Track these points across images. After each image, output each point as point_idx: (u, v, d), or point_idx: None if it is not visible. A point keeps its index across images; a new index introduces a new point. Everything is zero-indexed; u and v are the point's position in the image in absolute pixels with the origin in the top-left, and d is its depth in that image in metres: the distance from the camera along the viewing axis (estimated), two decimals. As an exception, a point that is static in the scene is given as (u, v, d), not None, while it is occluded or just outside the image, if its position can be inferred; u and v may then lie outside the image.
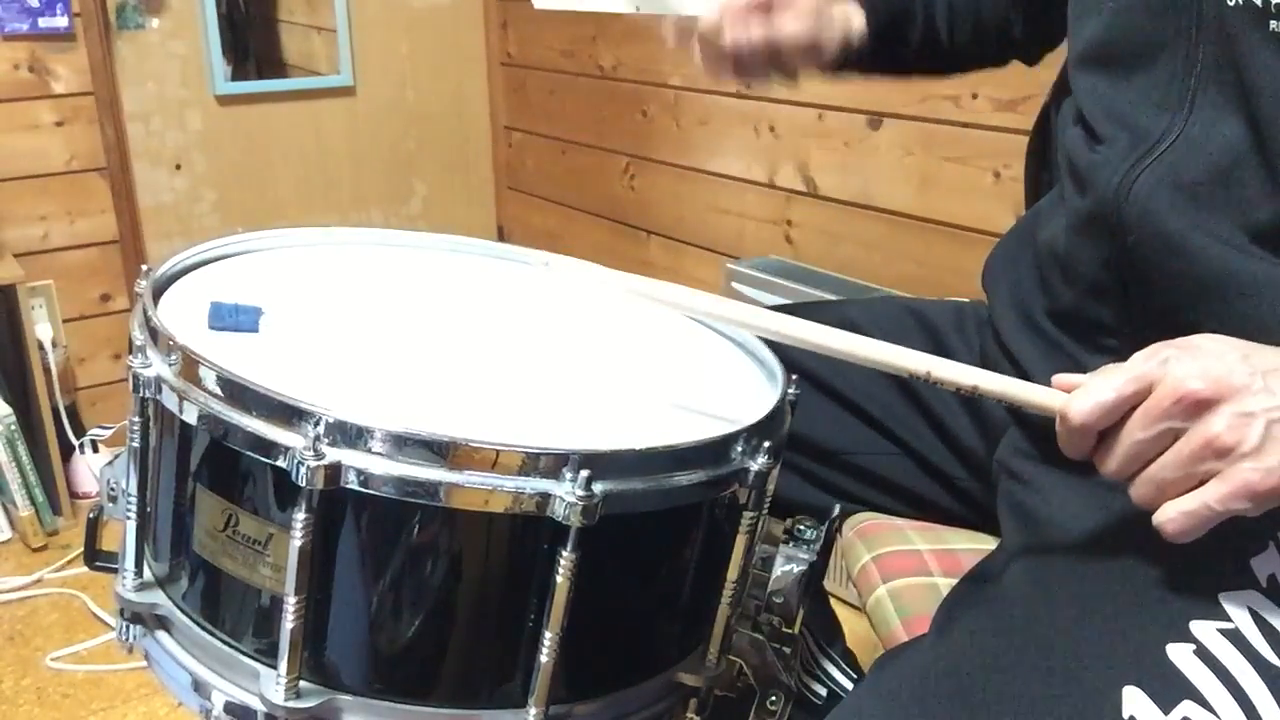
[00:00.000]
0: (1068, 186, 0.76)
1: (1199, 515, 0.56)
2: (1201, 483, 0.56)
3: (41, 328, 2.23)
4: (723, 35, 0.84)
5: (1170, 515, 0.57)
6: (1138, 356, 0.58)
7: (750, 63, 0.86)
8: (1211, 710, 0.55)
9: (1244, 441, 0.54)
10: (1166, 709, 0.56)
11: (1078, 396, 0.59)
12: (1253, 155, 0.63)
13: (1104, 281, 0.71)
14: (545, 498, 0.60)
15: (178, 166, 2.50)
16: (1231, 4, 0.62)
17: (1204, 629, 0.58)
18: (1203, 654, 0.57)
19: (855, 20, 0.89)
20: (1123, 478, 0.59)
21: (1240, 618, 0.59)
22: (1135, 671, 0.57)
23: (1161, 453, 0.57)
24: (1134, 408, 0.58)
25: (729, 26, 0.84)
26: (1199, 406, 0.55)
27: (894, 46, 0.93)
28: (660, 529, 0.68)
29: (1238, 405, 0.55)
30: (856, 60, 0.91)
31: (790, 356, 0.82)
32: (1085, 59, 0.75)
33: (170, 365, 0.66)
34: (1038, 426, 0.77)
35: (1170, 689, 0.56)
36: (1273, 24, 0.61)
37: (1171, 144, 0.67)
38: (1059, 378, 0.62)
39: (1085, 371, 0.65)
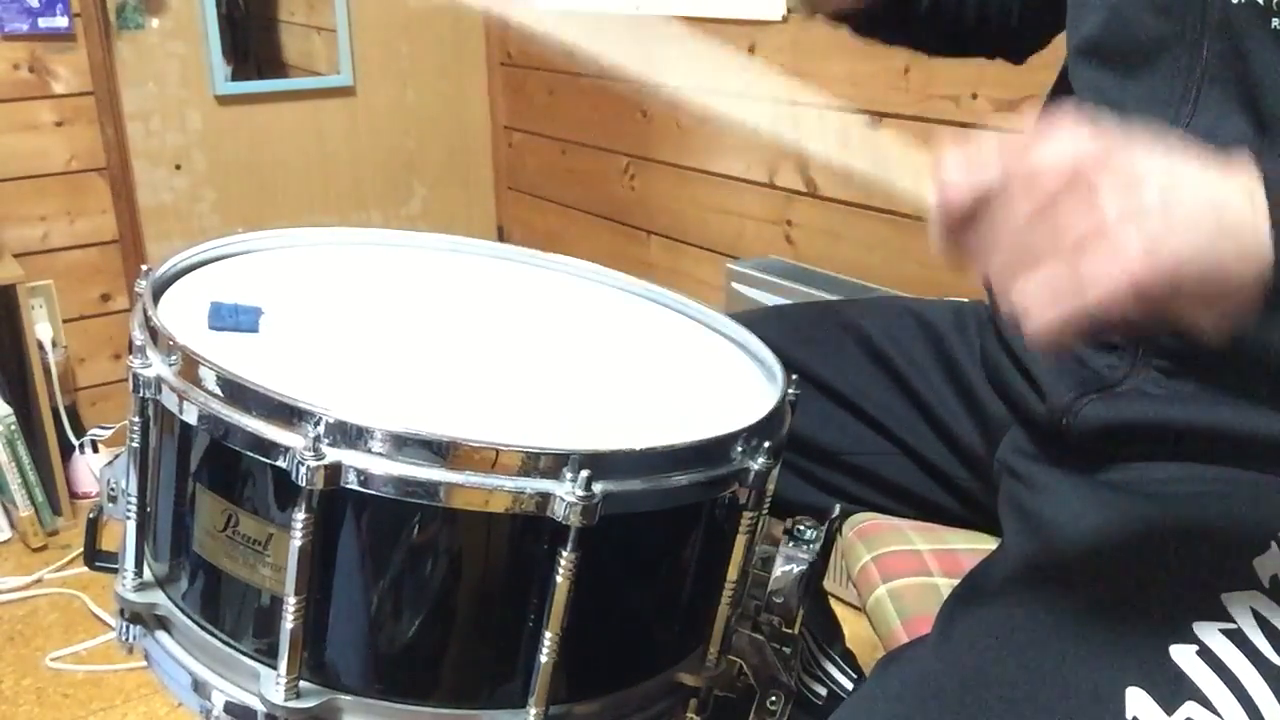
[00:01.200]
0: None
1: (1068, 308, 0.46)
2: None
3: (41, 328, 2.23)
4: None
5: (1036, 310, 0.47)
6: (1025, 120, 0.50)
7: None
8: (1214, 711, 0.55)
9: (1133, 219, 0.45)
10: (1169, 710, 0.55)
11: (950, 157, 0.51)
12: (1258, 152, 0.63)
13: None
14: (545, 498, 0.60)
15: (178, 166, 2.50)
16: (1235, 1, 0.62)
17: (1206, 630, 0.58)
18: (1205, 655, 0.57)
19: None
20: (1009, 279, 0.49)
21: (1243, 618, 0.59)
22: (1138, 672, 0.57)
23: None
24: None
25: None
26: (1091, 173, 0.47)
27: (903, 8, 0.91)
28: (660, 529, 0.68)
29: (1133, 180, 0.46)
30: (869, 22, 0.90)
31: (790, 356, 0.82)
32: (1085, 52, 0.75)
33: (170, 365, 0.66)
34: (1039, 426, 0.77)
35: (1173, 690, 0.56)
36: (1275, 21, 0.61)
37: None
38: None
39: (1087, 370, 0.65)
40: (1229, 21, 0.63)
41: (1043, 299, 0.47)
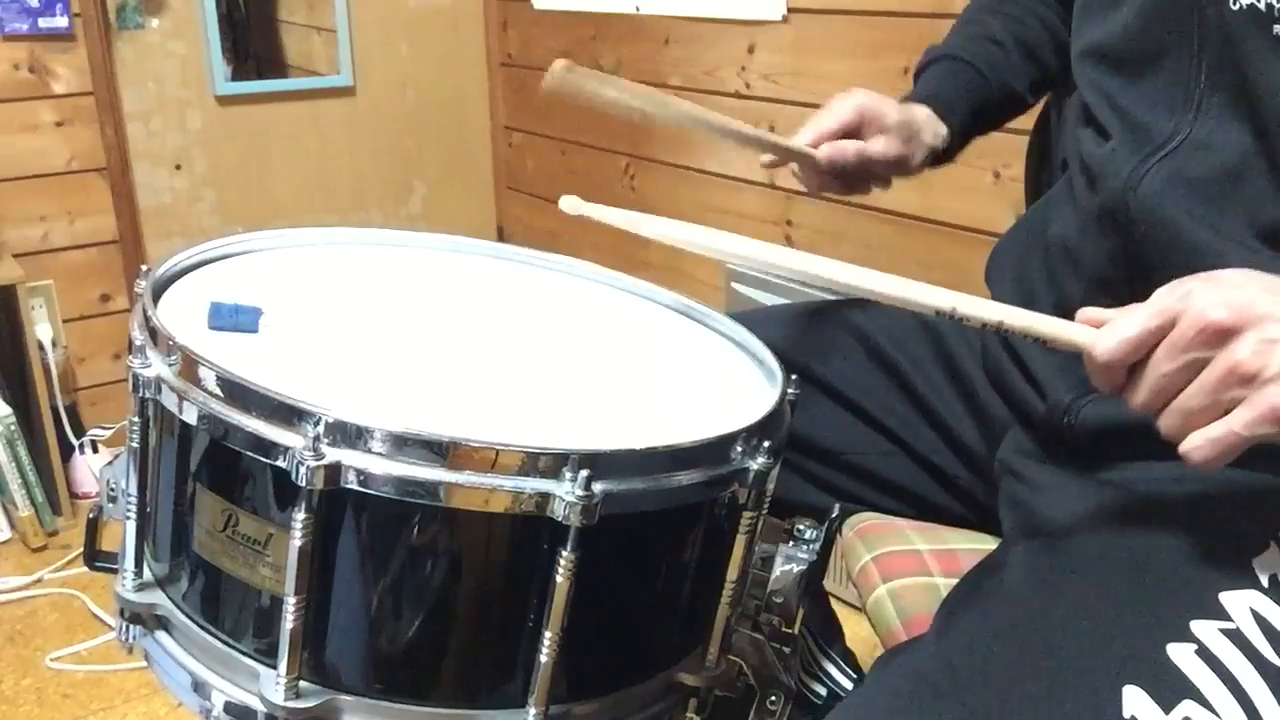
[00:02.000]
0: (1078, 182, 0.76)
1: (1225, 441, 0.56)
2: (1227, 412, 0.56)
3: (41, 328, 2.23)
4: (819, 160, 0.91)
5: (1197, 443, 0.57)
6: (1161, 291, 0.59)
7: (847, 178, 0.93)
8: (1212, 710, 0.55)
9: (1268, 366, 0.54)
10: (1167, 708, 0.56)
11: (1105, 333, 0.59)
12: (1259, 158, 0.64)
13: (1111, 276, 0.71)
14: (545, 498, 0.60)
15: (178, 166, 2.50)
16: (1235, 8, 0.62)
17: (1205, 629, 0.58)
18: (1204, 654, 0.57)
19: (938, 127, 0.95)
20: (1151, 411, 0.59)
21: (1241, 617, 0.59)
22: (1136, 671, 0.57)
23: (1188, 384, 0.57)
24: (1160, 342, 0.58)
25: (824, 154, 0.91)
26: (1222, 335, 0.56)
27: (978, 127, 0.98)
28: (660, 529, 0.68)
29: (1261, 332, 0.55)
30: (947, 154, 0.97)
31: (790, 356, 0.82)
32: (1091, 55, 0.75)
33: (170, 365, 0.66)
34: (1040, 426, 0.77)
35: (1171, 689, 0.56)
36: (1276, 28, 0.61)
37: (1178, 145, 0.67)
38: (1085, 312, 0.62)
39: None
40: (1228, 28, 0.64)
41: (1198, 439, 0.57)
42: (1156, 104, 0.69)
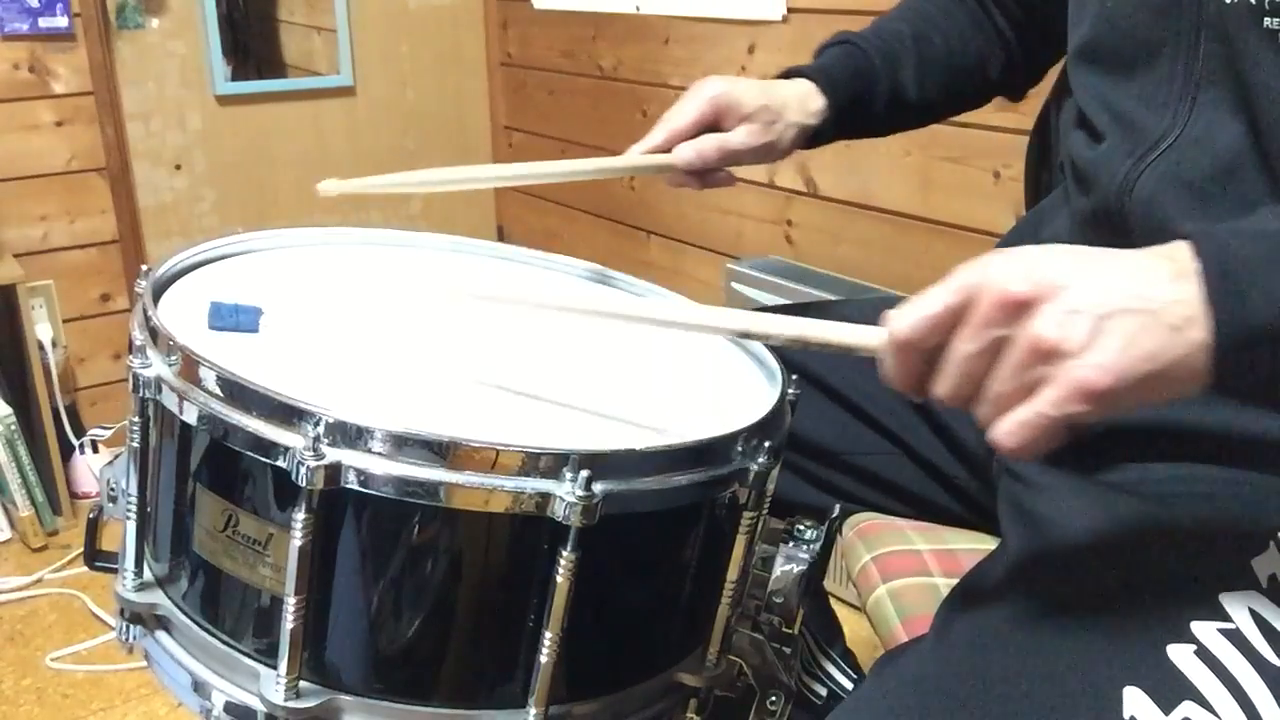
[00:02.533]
0: (1071, 186, 0.76)
1: (1034, 425, 0.52)
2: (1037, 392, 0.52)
3: (41, 328, 2.23)
4: (679, 166, 0.89)
5: (1006, 429, 0.53)
6: (962, 267, 0.54)
7: (709, 173, 0.92)
8: (1212, 711, 0.55)
9: (1069, 338, 0.50)
10: (1167, 710, 0.55)
11: (899, 313, 0.55)
12: (1253, 155, 0.63)
13: None
14: (545, 498, 0.60)
15: (178, 166, 2.50)
16: (1229, 1, 0.62)
17: (1204, 629, 0.58)
18: (1203, 654, 0.57)
19: (812, 103, 0.92)
20: (961, 401, 0.55)
21: (1241, 618, 0.59)
22: (1136, 672, 0.57)
23: (994, 367, 0.53)
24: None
25: (680, 156, 0.89)
26: (1021, 307, 0.52)
27: (859, 117, 0.96)
28: (660, 529, 0.68)
29: (1062, 303, 0.51)
30: (817, 138, 0.95)
31: (790, 357, 0.82)
32: (1083, 56, 0.75)
33: (170, 365, 0.66)
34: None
35: (1171, 689, 0.56)
36: (1267, 20, 0.61)
37: (1173, 143, 0.67)
38: (887, 314, 0.58)
39: None
40: (1223, 23, 0.63)
41: (1006, 425, 0.53)
42: (1149, 101, 0.68)
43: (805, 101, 0.92)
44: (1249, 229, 0.53)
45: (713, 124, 0.90)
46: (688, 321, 0.68)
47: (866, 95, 0.95)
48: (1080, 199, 0.73)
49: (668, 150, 0.90)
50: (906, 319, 0.55)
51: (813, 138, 0.95)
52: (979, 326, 0.53)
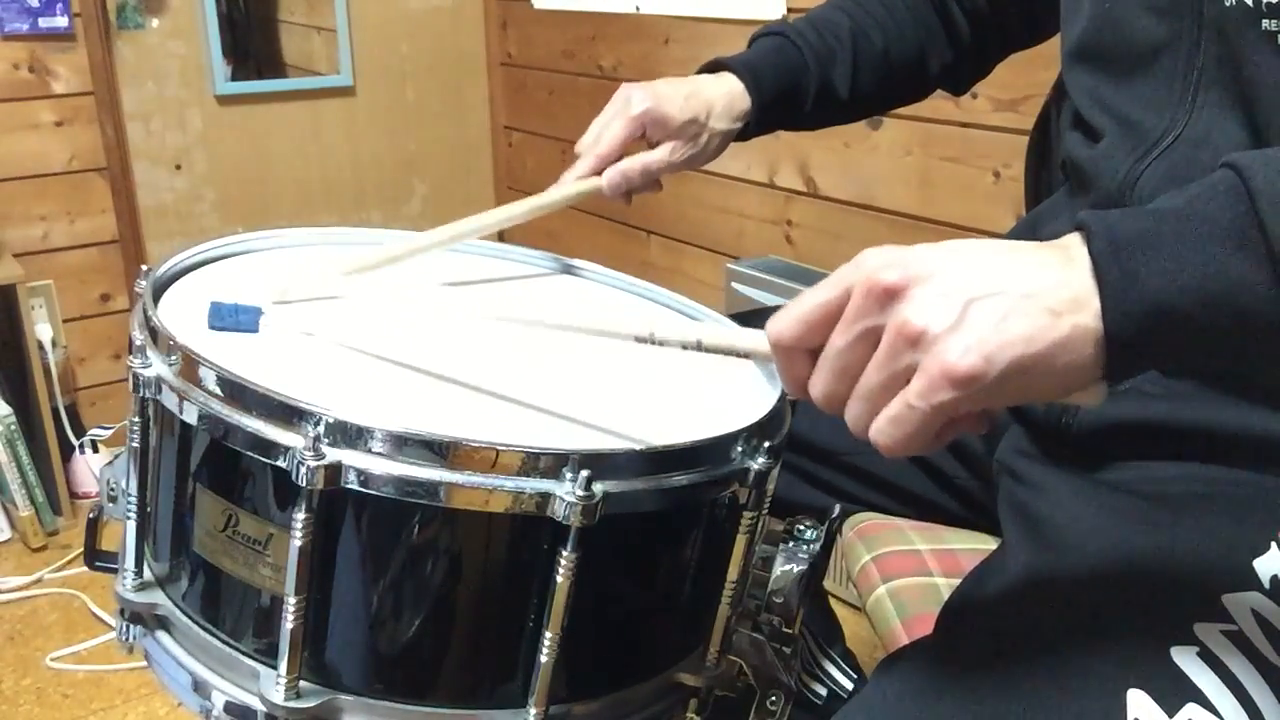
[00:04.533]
0: (1071, 187, 0.76)
1: (906, 420, 0.49)
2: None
3: (41, 328, 2.23)
4: (606, 191, 0.92)
5: (879, 427, 0.50)
6: (844, 264, 0.52)
7: (634, 190, 0.94)
8: (1215, 712, 0.55)
9: (935, 321, 0.48)
10: (1171, 712, 0.55)
11: (778, 314, 0.53)
12: None
13: None
14: (545, 498, 0.60)
15: (178, 166, 2.50)
16: (1228, 4, 0.62)
17: (1207, 631, 0.58)
18: (1206, 656, 0.57)
19: (739, 104, 0.93)
20: (836, 402, 0.53)
21: (1243, 619, 0.59)
22: (1139, 674, 0.57)
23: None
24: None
25: (609, 181, 0.91)
26: (890, 295, 0.49)
27: (785, 113, 0.96)
28: (660, 529, 0.68)
29: (929, 287, 0.49)
30: (744, 134, 0.95)
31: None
32: (1079, 55, 0.75)
33: (170, 365, 0.66)
34: (1039, 425, 0.77)
35: (1174, 691, 0.56)
36: (1265, 23, 0.61)
37: (1173, 143, 0.67)
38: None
39: None
40: (1223, 24, 0.63)
41: (879, 423, 0.50)
42: (1149, 101, 0.68)
43: (732, 105, 0.93)
44: (1140, 209, 0.51)
45: (638, 138, 0.91)
46: (586, 327, 0.67)
47: (794, 93, 0.95)
48: (1080, 198, 0.73)
49: (598, 173, 0.92)
50: (781, 320, 0.54)
51: (739, 136, 0.96)
52: (851, 319, 0.51)
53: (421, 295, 0.89)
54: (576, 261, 0.98)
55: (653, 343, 0.63)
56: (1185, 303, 0.48)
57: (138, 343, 0.68)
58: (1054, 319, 0.49)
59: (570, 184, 0.93)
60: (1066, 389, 0.50)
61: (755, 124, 0.95)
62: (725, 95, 0.92)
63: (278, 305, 0.79)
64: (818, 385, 0.53)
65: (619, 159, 0.92)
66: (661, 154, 0.91)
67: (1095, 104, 0.72)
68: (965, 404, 0.49)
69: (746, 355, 0.60)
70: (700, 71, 0.97)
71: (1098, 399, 0.52)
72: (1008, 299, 0.49)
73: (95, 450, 2.31)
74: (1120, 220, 0.50)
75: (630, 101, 0.92)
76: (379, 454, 0.60)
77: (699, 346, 0.62)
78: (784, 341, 0.54)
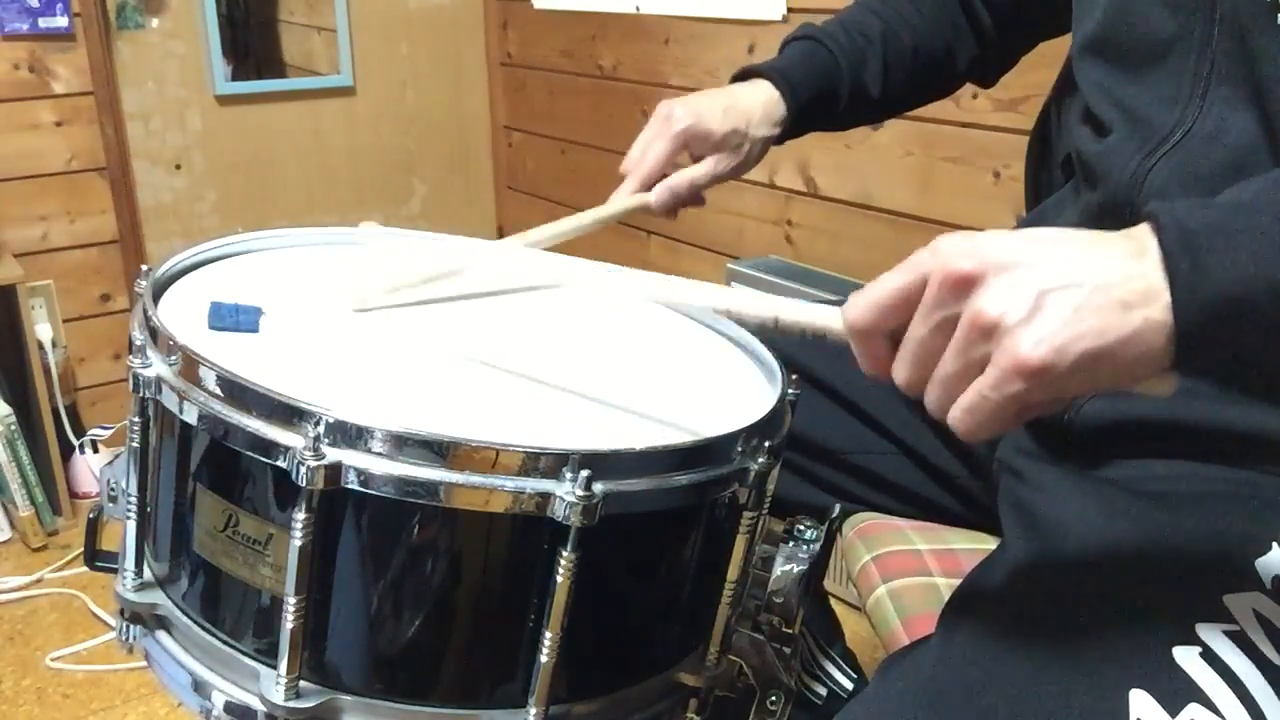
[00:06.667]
0: (1079, 180, 0.76)
1: (979, 408, 0.50)
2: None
3: (41, 328, 2.23)
4: (654, 209, 0.94)
5: (955, 415, 0.51)
6: (920, 250, 0.53)
7: (680, 206, 0.96)
8: (1217, 713, 0.55)
9: (1009, 312, 0.49)
10: (1174, 712, 0.55)
11: (854, 298, 0.55)
12: (1265, 149, 0.63)
13: None
14: (545, 498, 0.60)
15: (178, 166, 2.50)
16: None
17: (1209, 631, 0.58)
18: (1208, 656, 0.57)
19: (776, 112, 0.94)
20: (918, 387, 0.54)
21: (1245, 619, 0.59)
22: (1141, 674, 0.57)
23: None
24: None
25: (657, 199, 0.93)
26: (967, 285, 0.50)
27: (820, 116, 0.98)
28: (660, 529, 0.68)
29: (1005, 277, 0.49)
30: (780, 138, 0.97)
31: (790, 356, 0.82)
32: (1091, 49, 0.75)
33: (170, 365, 0.66)
34: (1042, 423, 0.77)
35: (1176, 692, 0.56)
36: None
37: (1183, 138, 0.66)
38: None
39: None
40: (1238, 18, 0.63)
41: (956, 410, 0.52)
42: (1160, 96, 0.68)
43: (770, 112, 0.94)
44: (1208, 201, 0.52)
45: (681, 153, 0.93)
46: (670, 299, 0.68)
47: (828, 96, 0.96)
48: (1089, 193, 0.73)
49: (645, 189, 0.94)
50: (859, 305, 0.54)
51: (775, 141, 0.97)
52: (929, 308, 0.52)
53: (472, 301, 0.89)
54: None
55: (730, 317, 0.64)
56: (1255, 294, 0.48)
57: (138, 343, 0.68)
58: (1125, 312, 0.49)
59: (620, 200, 0.95)
60: (1135, 379, 0.51)
61: (791, 128, 0.95)
62: (762, 103, 0.93)
63: (359, 313, 0.80)
64: (900, 372, 0.54)
65: (664, 176, 0.94)
66: (706, 168, 0.92)
67: (1105, 98, 0.72)
68: (1037, 394, 0.49)
69: (822, 335, 0.60)
70: (733, 80, 0.98)
71: (1168, 388, 0.53)
72: (1081, 291, 0.49)
73: (95, 450, 2.31)
74: (1189, 212, 0.50)
75: (671, 119, 0.93)
76: (379, 454, 0.60)
77: (775, 324, 0.62)
78: (860, 327, 0.55)
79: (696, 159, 0.97)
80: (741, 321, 0.64)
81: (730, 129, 0.92)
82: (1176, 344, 0.50)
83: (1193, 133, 0.66)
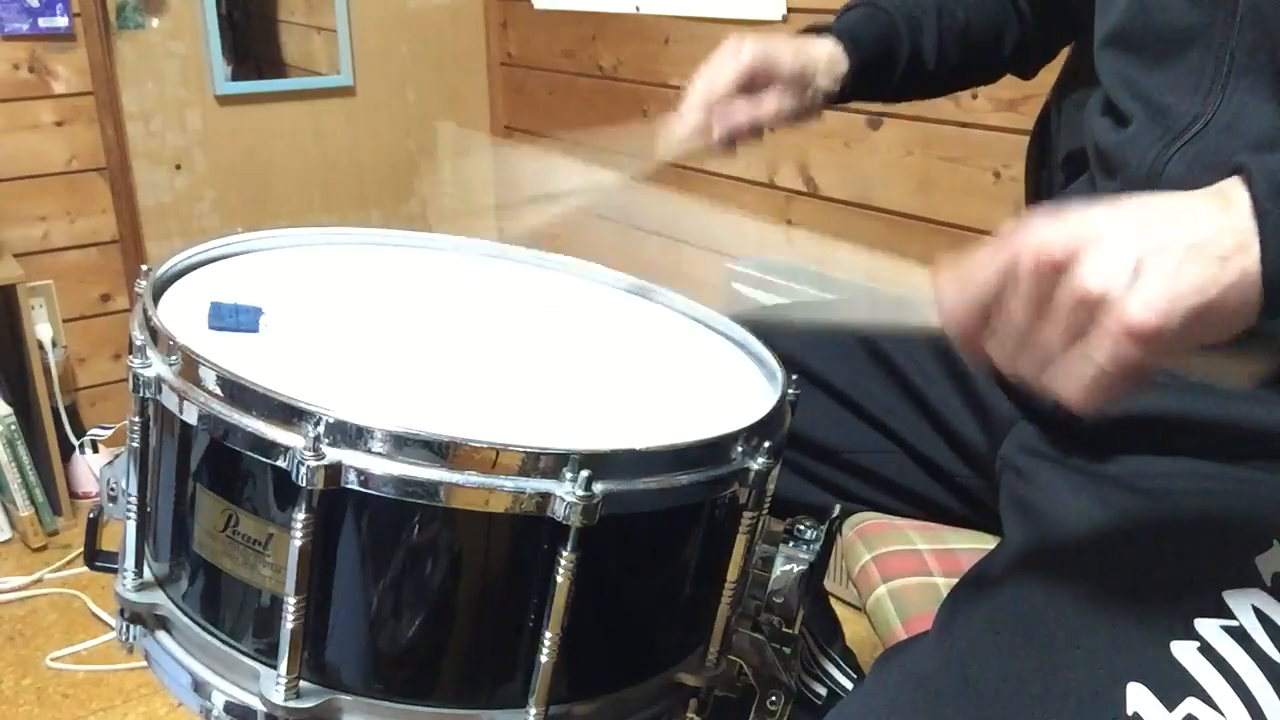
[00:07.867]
0: (1095, 172, 0.76)
1: (1099, 383, 0.50)
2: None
3: (41, 328, 2.23)
4: (711, 133, 0.88)
5: (1076, 393, 0.51)
6: (1007, 227, 0.53)
7: (740, 141, 0.90)
8: (1215, 708, 0.55)
9: (1111, 283, 0.49)
10: (1171, 706, 0.55)
11: (945, 283, 0.54)
12: None
13: None
14: (545, 498, 0.60)
15: (178, 166, 2.50)
16: None
17: (1208, 626, 0.58)
18: (1207, 651, 0.57)
19: (839, 66, 0.91)
20: (1020, 369, 0.54)
21: (1244, 615, 0.59)
22: (1139, 668, 0.57)
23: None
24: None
25: (717, 122, 0.88)
26: (1060, 266, 0.50)
27: (877, 80, 0.95)
28: (660, 529, 0.68)
29: (1099, 250, 0.50)
30: (838, 98, 0.93)
31: (790, 355, 0.82)
32: (1113, 41, 0.75)
33: (170, 365, 0.66)
34: (1048, 419, 0.77)
35: (1174, 686, 0.56)
36: None
37: (1203, 128, 0.67)
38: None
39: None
40: (1260, 10, 0.63)
41: (1070, 386, 0.51)
42: (1180, 86, 0.68)
43: (833, 65, 0.91)
44: None
45: (747, 84, 0.88)
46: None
47: (887, 60, 0.94)
48: (1107, 183, 0.73)
49: (708, 118, 0.89)
50: (953, 306, 0.54)
51: (832, 99, 0.94)
52: (1025, 296, 0.52)
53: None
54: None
55: (832, 328, 0.64)
56: None
57: (138, 343, 0.68)
58: (1222, 264, 0.49)
59: (679, 141, 0.91)
60: (1232, 332, 0.51)
61: (850, 87, 0.93)
62: (827, 55, 0.91)
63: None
64: (1005, 359, 0.54)
65: (727, 106, 0.89)
66: (770, 105, 0.88)
67: (1125, 89, 0.72)
68: (1150, 358, 0.49)
69: (917, 333, 0.60)
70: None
71: (1256, 376, 0.54)
72: (1176, 251, 0.49)
73: (95, 450, 2.31)
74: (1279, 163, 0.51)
75: (742, 45, 0.89)
76: (379, 454, 0.60)
77: (869, 326, 0.62)
78: (960, 325, 0.54)
79: (758, 93, 0.91)
80: (838, 326, 0.64)
81: (799, 69, 0.89)
82: (1265, 290, 0.50)
83: (1213, 122, 0.66)
